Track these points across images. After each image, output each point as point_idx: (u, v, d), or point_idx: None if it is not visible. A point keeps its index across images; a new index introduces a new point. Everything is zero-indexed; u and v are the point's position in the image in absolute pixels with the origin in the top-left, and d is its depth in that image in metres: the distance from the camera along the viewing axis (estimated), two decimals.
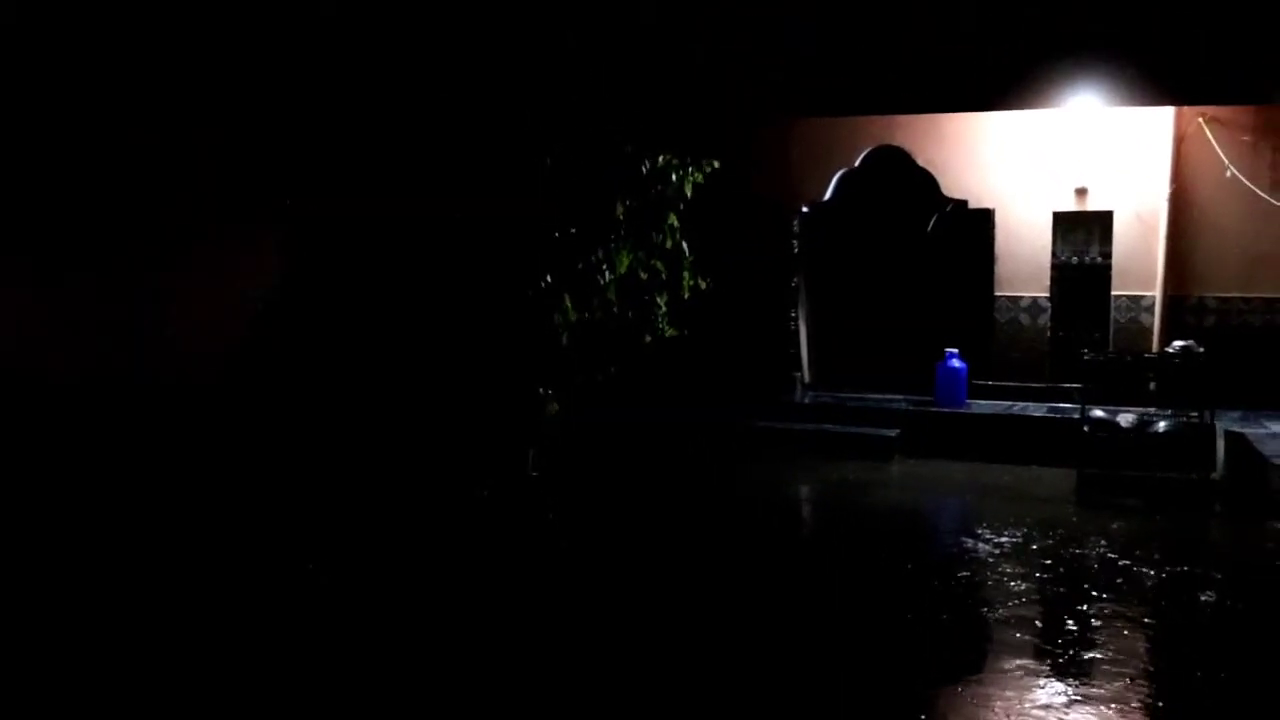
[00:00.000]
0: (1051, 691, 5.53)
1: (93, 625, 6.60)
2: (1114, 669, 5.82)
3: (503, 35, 10.41)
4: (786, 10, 11.01)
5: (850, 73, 11.32)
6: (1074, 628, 6.48)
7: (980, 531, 8.62)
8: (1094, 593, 7.13)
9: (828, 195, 12.80)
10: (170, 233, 10.23)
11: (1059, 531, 8.62)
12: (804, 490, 10.85)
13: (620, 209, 10.57)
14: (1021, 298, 12.34)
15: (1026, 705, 5.35)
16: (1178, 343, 10.63)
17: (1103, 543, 8.29)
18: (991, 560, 7.86)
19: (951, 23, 10.72)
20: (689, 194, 11.07)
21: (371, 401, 10.39)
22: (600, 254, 10.52)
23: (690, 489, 10.53)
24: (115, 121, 9.64)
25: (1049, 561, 7.86)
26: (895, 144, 12.46)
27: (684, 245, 11.15)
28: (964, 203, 12.37)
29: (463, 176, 10.37)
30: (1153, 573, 7.57)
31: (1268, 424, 10.57)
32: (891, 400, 12.36)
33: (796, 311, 13.13)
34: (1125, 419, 10.42)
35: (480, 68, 10.46)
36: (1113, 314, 12.00)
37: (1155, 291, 11.77)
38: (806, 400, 12.77)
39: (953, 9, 10.71)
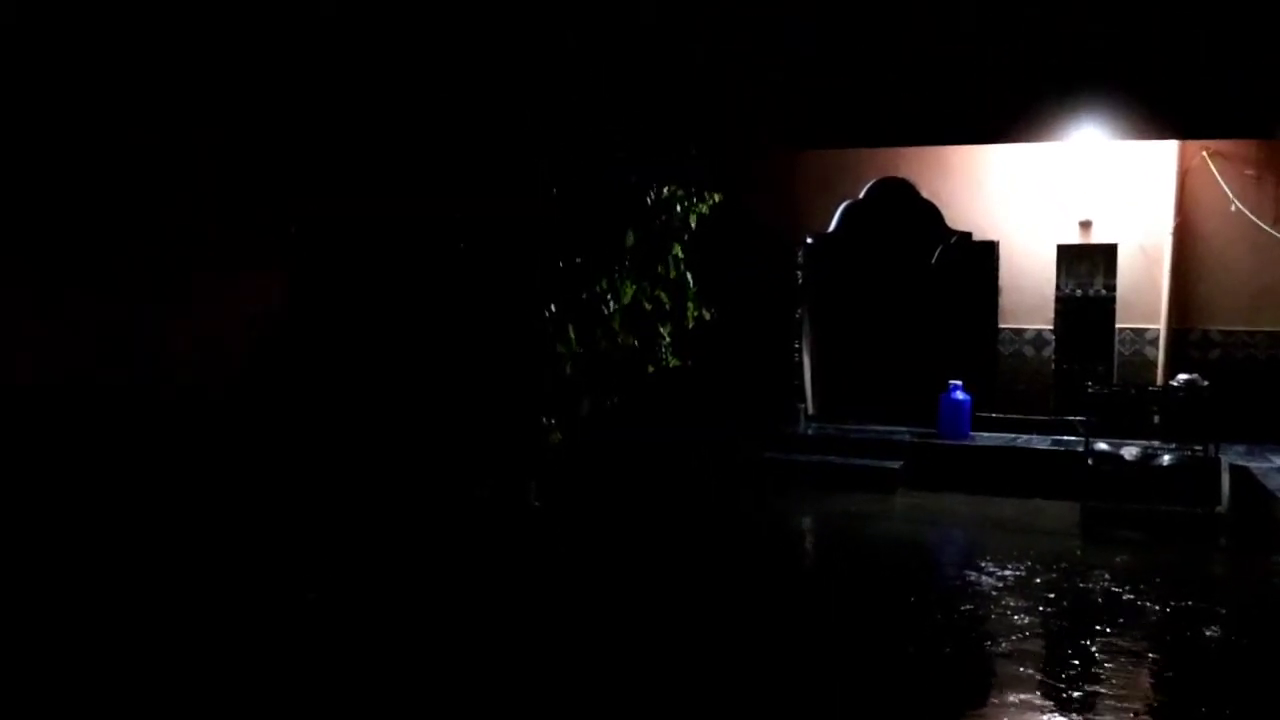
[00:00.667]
0: None
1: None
2: (1118, 704, 5.80)
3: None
4: (791, 43, 11.07)
5: (854, 104, 11.32)
6: (1078, 662, 6.45)
7: (983, 564, 8.60)
8: (1098, 627, 7.10)
9: (832, 226, 12.83)
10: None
11: (1063, 565, 8.60)
12: (806, 521, 10.84)
13: (630, 238, 10.61)
14: (1025, 330, 12.33)
15: None
16: (1182, 376, 10.65)
17: (1107, 576, 8.27)
18: (995, 593, 7.84)
19: (956, 55, 10.79)
20: (694, 225, 11.12)
21: (373, 425, 10.37)
22: (605, 284, 10.54)
23: (693, 520, 10.50)
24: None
25: (1053, 595, 7.83)
26: (900, 176, 12.50)
27: (688, 276, 11.18)
28: (968, 235, 12.40)
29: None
30: (1157, 607, 7.55)
31: (1273, 458, 10.54)
32: (895, 432, 12.33)
33: (800, 342, 13.14)
34: (1129, 452, 10.41)
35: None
36: (1117, 347, 11.98)
37: (1160, 325, 11.77)
38: (810, 431, 12.75)
39: (957, 42, 10.77)
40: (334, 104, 10.81)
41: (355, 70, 10.70)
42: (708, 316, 11.39)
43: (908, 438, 12.09)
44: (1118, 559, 8.84)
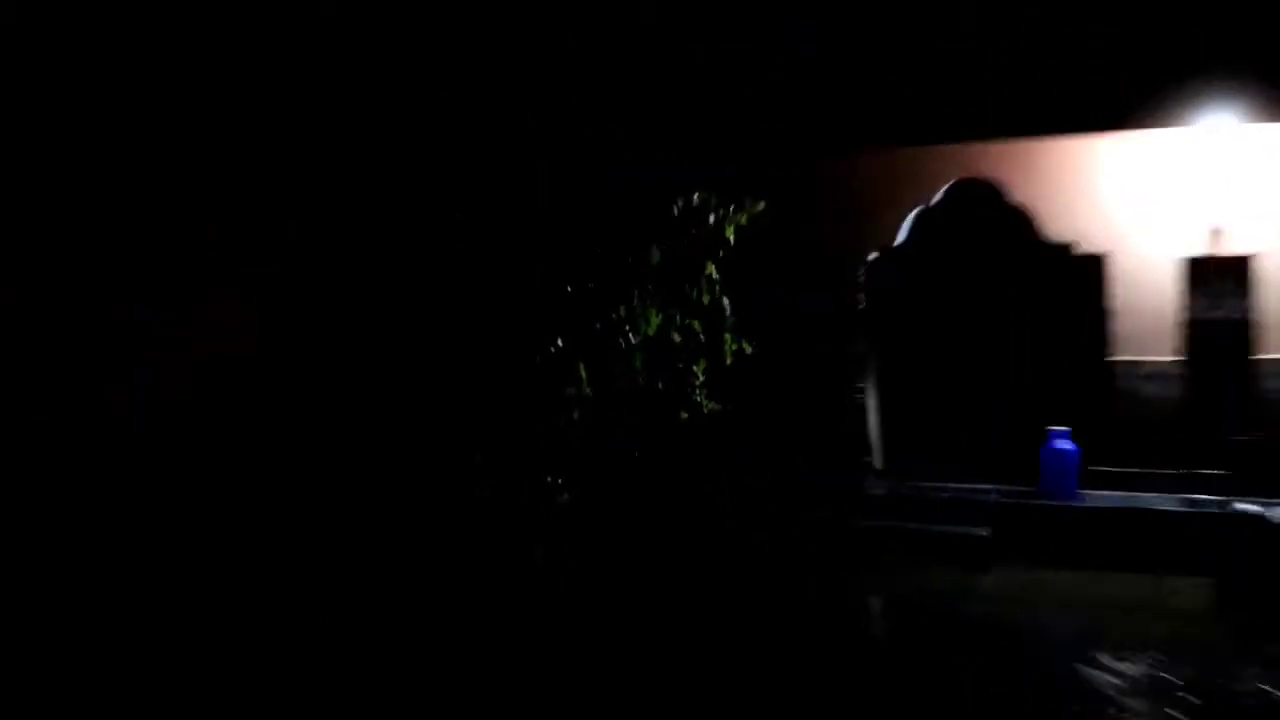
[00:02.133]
0: None
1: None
2: None
3: (503, 36, 11.03)
4: (854, 22, 11.06)
5: (930, 94, 11.04)
6: None
7: (1097, 656, 8.12)
8: None
9: (901, 239, 12.26)
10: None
11: (1196, 657, 8.08)
12: (875, 603, 10.27)
13: (655, 255, 10.22)
14: (1144, 363, 11.52)
15: None
16: None
17: (1253, 672, 7.76)
18: (1113, 694, 7.43)
19: (1055, 32, 10.48)
20: (731, 239, 10.51)
21: (369, 448, 10.61)
22: (623, 311, 10.07)
23: (736, 601, 9.99)
24: (116, 124, 10.25)
25: (1184, 695, 7.36)
26: (983, 177, 11.90)
27: (725, 301, 10.56)
28: (1069, 247, 11.69)
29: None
30: None
31: None
32: (981, 490, 11.64)
33: (864, 380, 12.58)
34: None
35: (481, 68, 11.08)
36: (1261, 382, 11.13)
37: None
38: (877, 491, 12.07)
39: (1057, 15, 10.49)
40: (335, 104, 11.43)
41: (356, 70, 11.35)
42: (749, 350, 10.68)
43: (997, 497, 11.37)
44: (1267, 650, 8.21)
